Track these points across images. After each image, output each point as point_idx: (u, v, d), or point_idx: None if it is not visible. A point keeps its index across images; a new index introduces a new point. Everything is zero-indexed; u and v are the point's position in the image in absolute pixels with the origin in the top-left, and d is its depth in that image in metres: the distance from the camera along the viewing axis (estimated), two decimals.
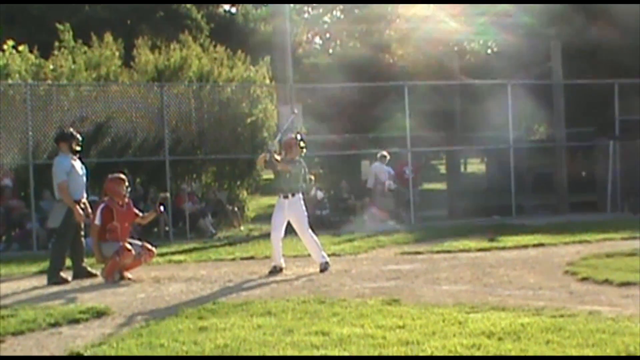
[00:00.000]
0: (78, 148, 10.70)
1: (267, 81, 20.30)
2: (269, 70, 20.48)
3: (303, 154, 10.63)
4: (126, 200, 10.57)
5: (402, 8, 30.18)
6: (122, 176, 10.71)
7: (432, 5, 27.16)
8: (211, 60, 20.21)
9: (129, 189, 10.86)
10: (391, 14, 34.29)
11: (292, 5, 24.84)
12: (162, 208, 11.12)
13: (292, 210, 10.32)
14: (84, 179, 10.69)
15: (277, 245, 10.35)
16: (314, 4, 43.12)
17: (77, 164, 10.61)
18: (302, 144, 10.55)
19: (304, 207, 10.44)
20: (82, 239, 10.65)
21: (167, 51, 20.37)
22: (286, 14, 17.63)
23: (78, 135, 10.81)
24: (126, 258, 10.11)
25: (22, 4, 29.25)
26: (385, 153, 18.66)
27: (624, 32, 21.36)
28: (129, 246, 10.18)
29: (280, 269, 10.27)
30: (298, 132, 11.97)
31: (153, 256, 10.76)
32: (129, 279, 10.10)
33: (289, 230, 10.57)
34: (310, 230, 10.45)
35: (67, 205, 10.30)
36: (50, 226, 11.30)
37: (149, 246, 10.63)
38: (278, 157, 10.43)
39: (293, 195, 10.33)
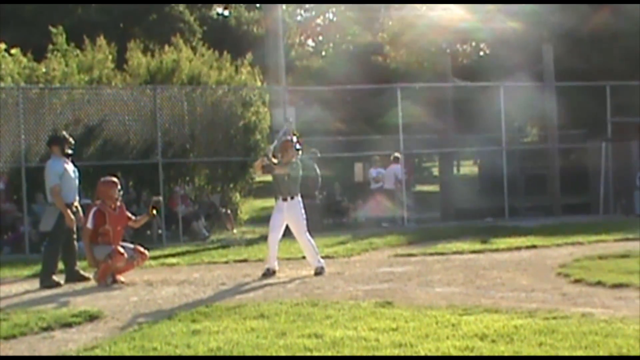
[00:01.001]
0: (70, 151, 10.69)
1: (258, 83, 20.29)
2: (260, 74, 20.48)
3: (299, 156, 10.67)
4: (118, 203, 10.53)
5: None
6: (114, 179, 10.68)
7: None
8: (203, 62, 20.19)
9: (122, 192, 10.84)
10: (384, 15, 34.33)
11: (284, 6, 24.82)
12: (154, 212, 11.07)
13: (290, 212, 10.34)
14: (77, 182, 10.68)
15: (273, 247, 10.36)
16: (307, 4, 43.18)
17: (70, 167, 10.59)
18: (297, 145, 10.58)
19: (302, 210, 10.45)
20: (75, 243, 10.62)
21: (160, 54, 20.35)
22: (278, 15, 17.62)
23: (70, 139, 10.80)
24: (119, 261, 10.08)
25: (14, 5, 29.13)
26: (397, 154, 18.85)
27: (623, 26, 21.39)
28: (121, 249, 10.15)
29: (274, 272, 10.26)
30: (293, 134, 11.99)
31: (146, 259, 10.73)
32: (122, 282, 10.07)
33: (284, 232, 10.56)
34: (307, 234, 10.45)
35: (59, 208, 10.28)
36: (42, 229, 11.25)
37: (142, 249, 10.59)
38: (275, 161, 10.46)
39: (292, 198, 10.35)
